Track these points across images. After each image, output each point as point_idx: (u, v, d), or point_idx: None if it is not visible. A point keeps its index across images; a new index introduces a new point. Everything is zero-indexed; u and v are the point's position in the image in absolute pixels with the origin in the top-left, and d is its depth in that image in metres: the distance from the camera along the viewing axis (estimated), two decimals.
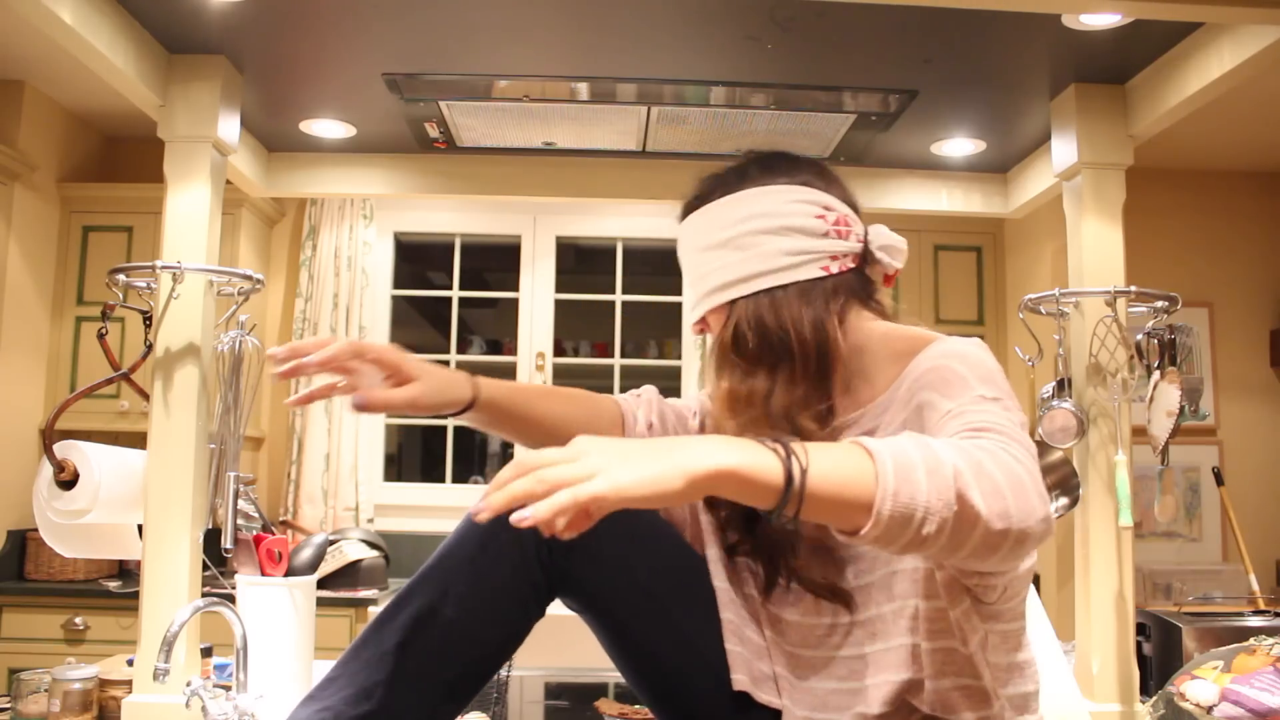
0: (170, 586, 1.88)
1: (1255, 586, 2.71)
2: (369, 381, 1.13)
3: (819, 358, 1.18)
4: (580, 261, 4.53)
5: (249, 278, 2.03)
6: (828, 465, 0.84)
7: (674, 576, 1.23)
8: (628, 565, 1.20)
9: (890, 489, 0.83)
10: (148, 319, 2.04)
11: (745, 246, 1.22)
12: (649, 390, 1.44)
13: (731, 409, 1.18)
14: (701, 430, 1.36)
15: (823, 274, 1.21)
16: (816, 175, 1.28)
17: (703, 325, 1.28)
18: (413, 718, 1.14)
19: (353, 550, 3.36)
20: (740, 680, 1.20)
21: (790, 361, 1.17)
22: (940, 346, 1.13)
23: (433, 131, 2.44)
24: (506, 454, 4.40)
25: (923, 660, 1.09)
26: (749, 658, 1.22)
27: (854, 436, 1.16)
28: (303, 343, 1.13)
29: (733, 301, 1.21)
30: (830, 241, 1.23)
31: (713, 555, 1.26)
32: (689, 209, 1.30)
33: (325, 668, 1.90)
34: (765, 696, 1.19)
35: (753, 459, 0.83)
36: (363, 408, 1.10)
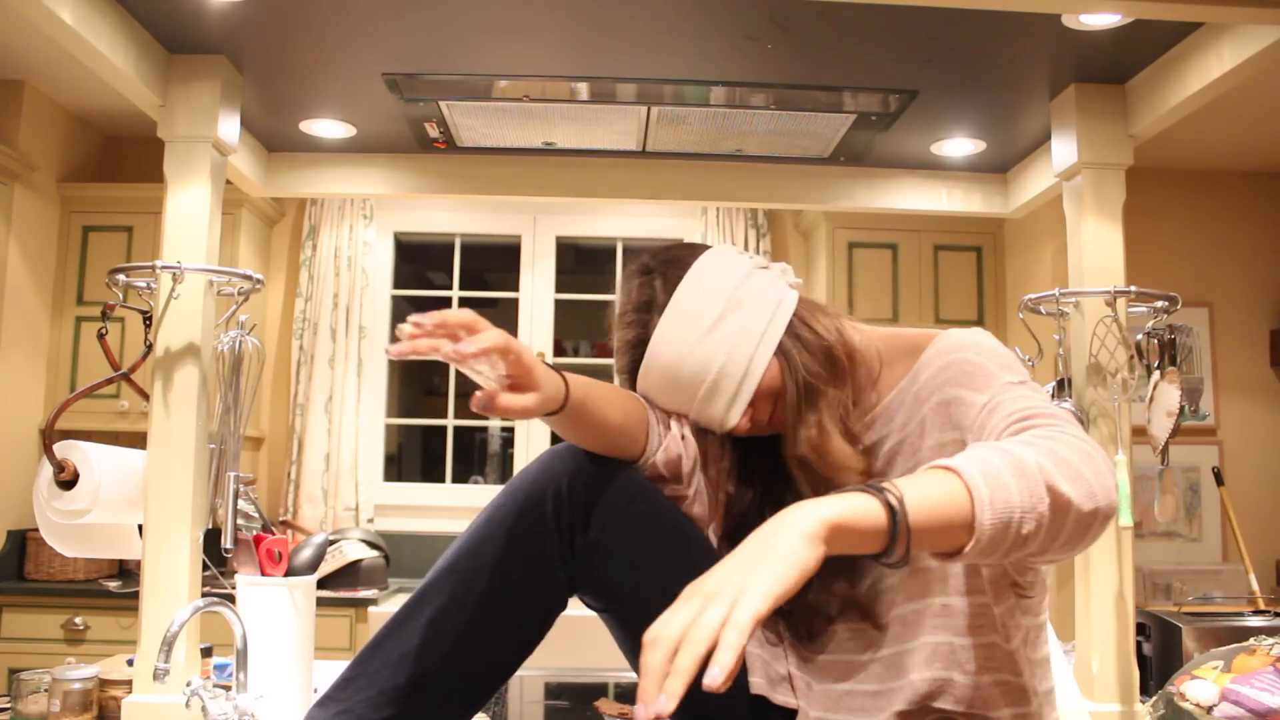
0: (170, 586, 1.88)
1: (1255, 586, 2.71)
2: (486, 374, 1.02)
3: (848, 356, 1.19)
4: (580, 261, 4.53)
5: (249, 278, 2.03)
6: (922, 493, 0.84)
7: (689, 567, 1.22)
8: (651, 564, 1.18)
9: (986, 499, 0.84)
10: (148, 319, 2.04)
11: (742, 303, 1.18)
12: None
13: (827, 443, 1.14)
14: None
15: (795, 291, 1.23)
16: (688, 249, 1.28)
17: (751, 411, 1.19)
18: (433, 717, 1.13)
19: (353, 550, 3.36)
20: (758, 684, 1.20)
21: (840, 374, 1.17)
22: (948, 341, 1.13)
23: (433, 131, 2.44)
24: (506, 454, 4.40)
25: (959, 657, 1.09)
26: (766, 659, 1.22)
27: (866, 443, 1.17)
28: (450, 320, 0.96)
29: (779, 347, 1.18)
30: (770, 270, 1.25)
31: None
32: (647, 337, 1.21)
33: (325, 668, 1.91)
34: (782, 698, 1.19)
35: (852, 506, 0.82)
36: (485, 409, 0.98)
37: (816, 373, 1.16)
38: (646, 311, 1.20)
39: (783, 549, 0.78)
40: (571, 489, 1.15)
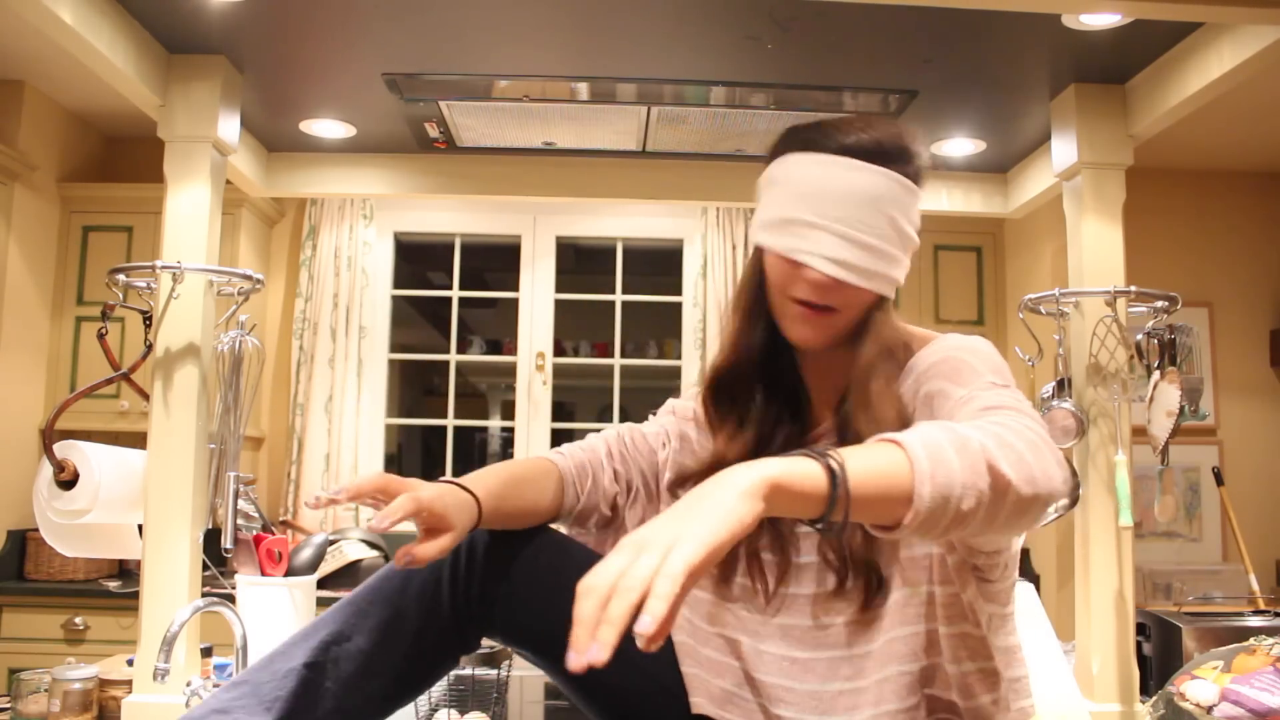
0: (170, 586, 1.88)
1: (1255, 586, 2.71)
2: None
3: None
4: (580, 261, 4.53)
5: (249, 278, 2.03)
6: (864, 462, 0.84)
7: None
8: (558, 607, 1.19)
9: (926, 473, 0.84)
10: (148, 319, 2.04)
11: (908, 249, 1.19)
12: (609, 437, 1.36)
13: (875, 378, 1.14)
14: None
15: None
16: None
17: (837, 283, 1.14)
18: (322, 707, 1.14)
19: (353, 550, 3.36)
20: (699, 704, 1.20)
21: (890, 354, 1.16)
22: (949, 340, 1.14)
23: (433, 131, 2.44)
24: (506, 454, 4.40)
25: (941, 645, 1.10)
26: (706, 678, 1.22)
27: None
28: (354, 488, 1.07)
29: (879, 298, 1.17)
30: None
31: None
32: (898, 155, 1.17)
33: None
34: (726, 714, 1.19)
35: (793, 467, 0.82)
36: (410, 565, 1.07)
37: (887, 351, 1.16)
38: (914, 160, 1.20)
39: (719, 502, 0.79)
40: (471, 547, 1.18)
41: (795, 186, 1.15)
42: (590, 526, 1.31)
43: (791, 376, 1.23)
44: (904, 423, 1.10)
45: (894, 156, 1.16)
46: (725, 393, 1.24)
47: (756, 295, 1.21)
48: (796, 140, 1.19)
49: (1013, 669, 1.16)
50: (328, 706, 1.14)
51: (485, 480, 1.16)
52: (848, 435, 1.14)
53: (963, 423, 0.92)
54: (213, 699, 1.14)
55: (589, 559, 1.23)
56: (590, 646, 0.74)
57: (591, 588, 0.76)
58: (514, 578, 1.19)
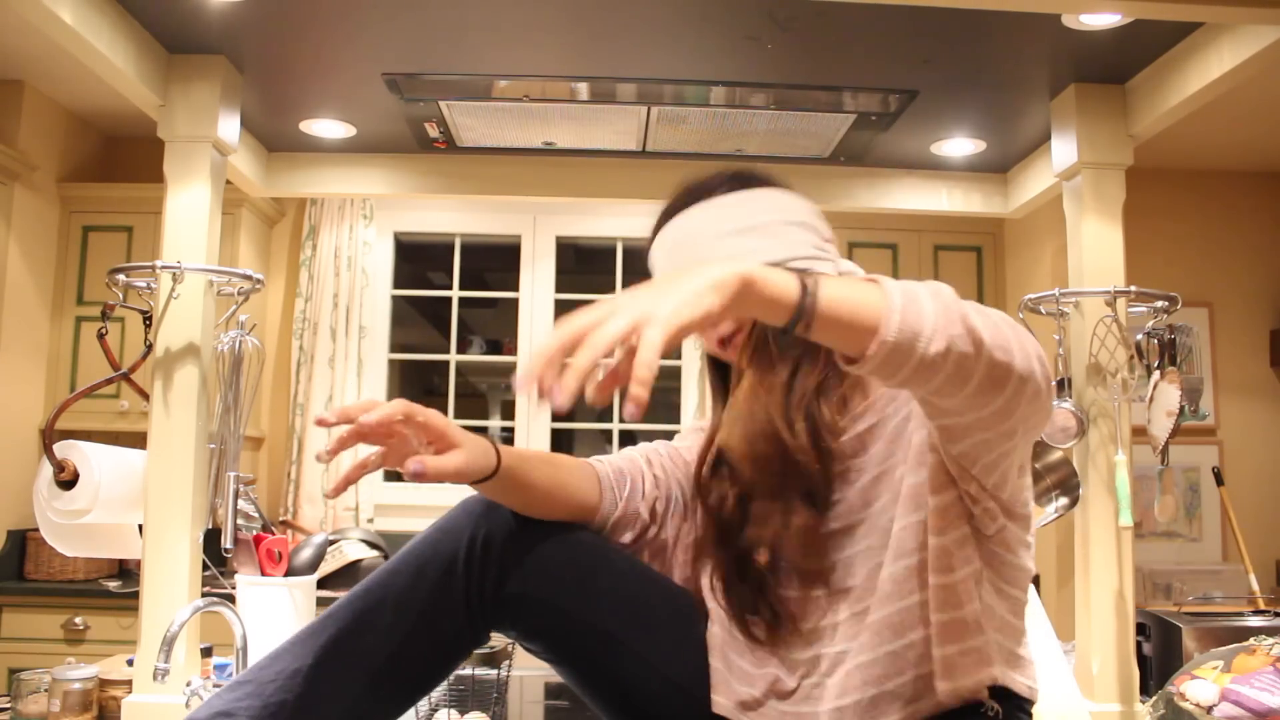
0: (170, 586, 1.88)
1: (1255, 586, 2.71)
2: (412, 447, 1.10)
3: None
4: (580, 261, 4.53)
5: (249, 278, 2.03)
6: (839, 287, 0.86)
7: (629, 606, 1.21)
8: (574, 606, 1.18)
9: (897, 307, 0.85)
10: (148, 319, 2.04)
11: (777, 235, 1.20)
12: (646, 449, 1.37)
13: (752, 401, 1.17)
14: (703, 466, 1.32)
15: (834, 273, 1.22)
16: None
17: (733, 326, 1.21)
18: (329, 707, 1.13)
19: (353, 550, 3.36)
20: (720, 703, 1.19)
21: (817, 349, 1.16)
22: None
23: (433, 131, 2.44)
24: None
25: (930, 599, 1.07)
26: (732, 681, 1.20)
27: (861, 430, 1.17)
28: (351, 407, 1.06)
29: None
30: (831, 247, 1.26)
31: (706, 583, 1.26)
32: (688, 199, 1.24)
33: None
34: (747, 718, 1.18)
35: (770, 273, 0.86)
36: (419, 476, 1.02)
37: (782, 343, 1.16)
38: (699, 192, 1.23)
39: (691, 286, 0.82)
40: (488, 542, 1.15)
41: (658, 272, 1.24)
42: (631, 535, 1.28)
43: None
44: (805, 429, 1.14)
45: (698, 196, 1.23)
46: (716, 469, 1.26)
47: (713, 373, 1.31)
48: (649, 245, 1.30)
49: (1010, 640, 1.13)
50: (334, 708, 1.12)
51: (510, 447, 1.17)
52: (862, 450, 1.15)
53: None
54: (215, 699, 1.13)
55: (631, 565, 1.25)
56: (552, 387, 0.79)
57: (558, 332, 0.81)
58: (538, 573, 1.16)
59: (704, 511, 1.27)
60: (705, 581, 1.26)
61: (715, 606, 1.24)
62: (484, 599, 1.16)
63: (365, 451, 1.09)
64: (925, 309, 0.86)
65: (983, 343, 0.87)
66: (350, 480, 1.07)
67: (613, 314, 0.81)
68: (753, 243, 1.19)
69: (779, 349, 1.17)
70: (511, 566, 1.16)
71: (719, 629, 1.24)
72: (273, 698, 1.10)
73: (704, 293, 0.82)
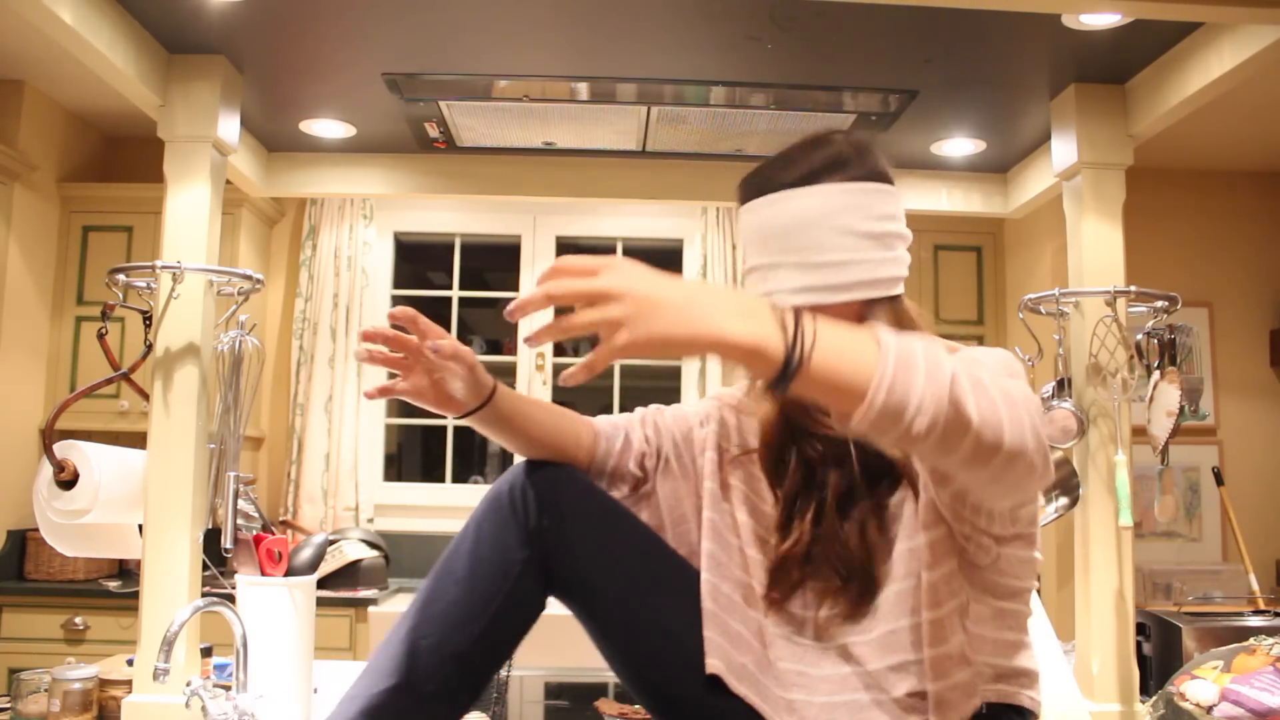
0: (170, 586, 1.88)
1: (1255, 586, 2.71)
2: (451, 378, 1.25)
3: None
4: None
5: (249, 278, 2.03)
6: (831, 350, 0.87)
7: (650, 564, 1.26)
8: (609, 553, 1.23)
9: (887, 380, 0.85)
10: (148, 319, 2.04)
11: (891, 246, 1.18)
12: (646, 409, 1.44)
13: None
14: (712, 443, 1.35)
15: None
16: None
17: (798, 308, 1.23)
18: (430, 686, 1.18)
19: (353, 550, 3.36)
20: (714, 665, 1.22)
21: None
22: (974, 349, 1.14)
23: (433, 131, 2.44)
24: (506, 456, 4.40)
25: (923, 632, 1.10)
26: (727, 649, 1.23)
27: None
28: (404, 334, 1.22)
29: (870, 302, 1.18)
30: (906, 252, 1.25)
31: (709, 548, 1.27)
32: (813, 172, 1.18)
33: (325, 668, 1.91)
34: (740, 688, 1.21)
35: (761, 334, 0.86)
36: (438, 350, 1.21)
37: None
38: (836, 164, 1.19)
39: (679, 331, 0.86)
40: (525, 484, 1.24)
41: (748, 237, 1.23)
42: (623, 488, 1.34)
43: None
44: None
45: (823, 172, 1.18)
46: (774, 453, 1.28)
47: None
48: (738, 196, 1.26)
49: (1008, 658, 1.15)
50: (439, 661, 1.18)
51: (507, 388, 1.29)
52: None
53: (950, 355, 0.92)
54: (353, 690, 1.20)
55: (640, 522, 1.29)
56: (532, 332, 0.93)
57: (557, 270, 0.92)
58: (566, 514, 1.23)
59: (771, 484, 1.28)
60: (708, 545, 1.28)
61: (711, 579, 1.26)
62: (539, 530, 1.22)
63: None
64: (915, 384, 0.86)
65: (969, 422, 0.87)
66: (385, 391, 1.23)
67: (605, 299, 0.87)
68: (862, 251, 1.17)
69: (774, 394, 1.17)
70: (548, 504, 1.22)
71: (710, 603, 1.25)
72: (384, 667, 1.18)
73: (682, 341, 0.87)
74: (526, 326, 3.26)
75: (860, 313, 1.18)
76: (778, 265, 1.18)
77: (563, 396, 4.10)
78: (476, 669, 1.22)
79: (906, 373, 0.86)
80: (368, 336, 1.21)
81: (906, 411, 0.85)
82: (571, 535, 1.22)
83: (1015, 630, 1.17)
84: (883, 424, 0.86)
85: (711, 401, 1.39)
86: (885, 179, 1.21)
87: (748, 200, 1.22)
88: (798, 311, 0.88)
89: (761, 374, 0.87)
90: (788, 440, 1.26)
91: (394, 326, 1.23)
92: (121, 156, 3.72)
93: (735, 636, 1.24)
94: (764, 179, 1.21)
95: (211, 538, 1.92)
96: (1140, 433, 2.08)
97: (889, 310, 1.19)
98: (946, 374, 0.88)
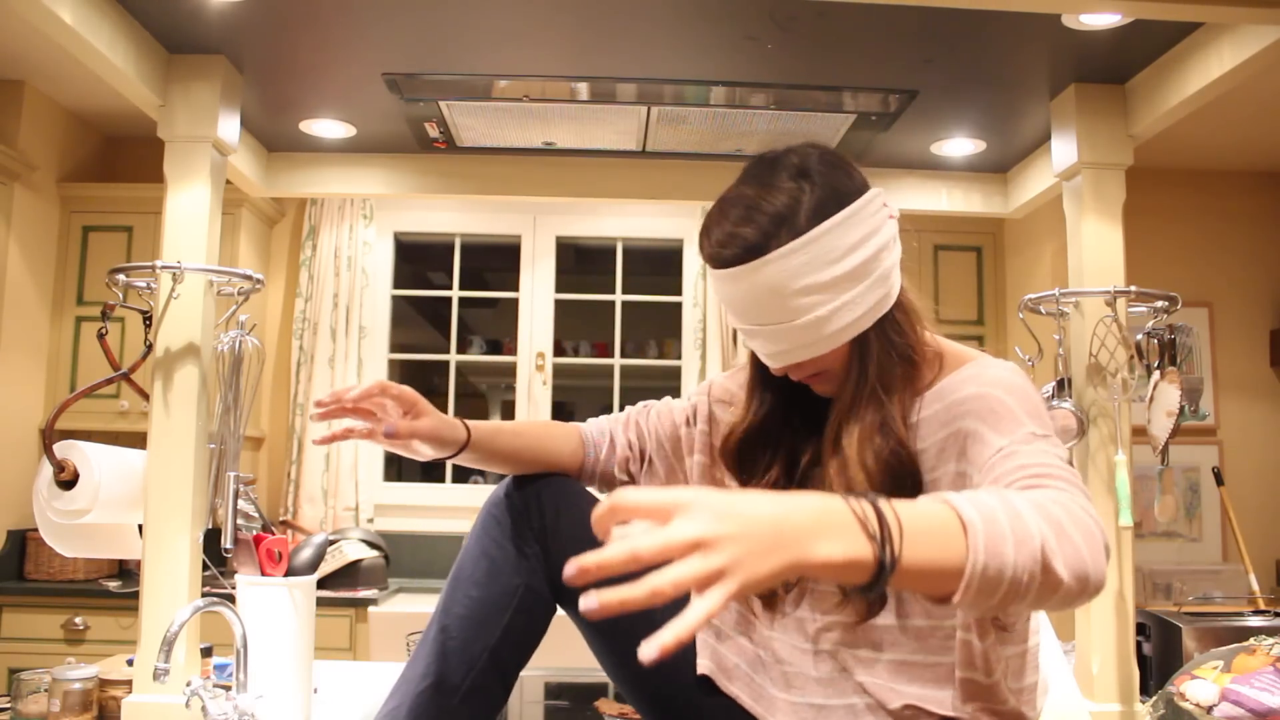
0: (170, 586, 1.88)
1: (1255, 586, 2.71)
2: (391, 417, 1.29)
3: (914, 366, 1.17)
4: (580, 261, 4.53)
5: (249, 278, 2.03)
6: (920, 544, 0.80)
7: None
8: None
9: (980, 562, 0.82)
10: (148, 319, 2.04)
11: (866, 274, 1.11)
12: (634, 408, 1.47)
13: (858, 447, 1.13)
14: (700, 448, 1.36)
15: (899, 281, 1.18)
16: (856, 169, 1.18)
17: (796, 369, 1.17)
18: (466, 684, 1.25)
19: (353, 550, 3.36)
20: (705, 665, 1.24)
21: (903, 384, 1.15)
22: (986, 373, 1.11)
23: (433, 131, 2.44)
24: None
25: (955, 684, 1.13)
26: (718, 649, 1.26)
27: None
28: (338, 390, 1.27)
29: (862, 336, 1.14)
30: (894, 223, 1.18)
31: None
32: (765, 244, 1.10)
33: (325, 668, 1.91)
34: (731, 688, 1.21)
35: (851, 550, 0.77)
36: (392, 435, 1.24)
37: (885, 380, 1.14)
38: (778, 224, 1.10)
39: (779, 563, 0.74)
40: (515, 487, 1.32)
41: (720, 299, 1.21)
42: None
43: (816, 409, 1.23)
44: (878, 473, 1.10)
45: (773, 237, 1.10)
46: (746, 451, 1.27)
47: (760, 368, 1.26)
48: (700, 252, 1.19)
49: (1015, 678, 1.17)
50: (470, 658, 1.25)
51: (479, 423, 1.34)
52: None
53: (1026, 502, 0.88)
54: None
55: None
56: (592, 596, 0.70)
57: (626, 541, 0.71)
58: (561, 516, 1.29)
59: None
60: None
61: None
62: (537, 529, 1.29)
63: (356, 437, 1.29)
64: (1007, 560, 0.82)
65: (1060, 583, 0.85)
66: (337, 438, 1.27)
67: (697, 550, 0.71)
68: (841, 295, 1.11)
69: (872, 389, 1.15)
70: (544, 505, 1.30)
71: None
72: (416, 671, 1.27)
73: (782, 572, 0.74)
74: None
75: (852, 347, 1.14)
76: (756, 332, 1.15)
77: (561, 398, 4.10)
78: (505, 662, 1.27)
79: (997, 545, 0.82)
80: (324, 416, 1.28)
81: (1002, 586, 0.83)
82: (564, 537, 1.27)
83: (1034, 670, 1.21)
84: (980, 602, 0.84)
85: (702, 396, 1.38)
86: (843, 200, 1.12)
87: (709, 264, 1.16)
88: (877, 508, 0.80)
89: (855, 583, 0.79)
90: (774, 438, 1.26)
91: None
92: (121, 156, 3.72)
93: (727, 637, 1.25)
94: (716, 250, 1.13)
95: (211, 538, 1.92)
96: (1140, 433, 2.08)
97: (880, 335, 1.15)
98: (1035, 537, 0.84)
